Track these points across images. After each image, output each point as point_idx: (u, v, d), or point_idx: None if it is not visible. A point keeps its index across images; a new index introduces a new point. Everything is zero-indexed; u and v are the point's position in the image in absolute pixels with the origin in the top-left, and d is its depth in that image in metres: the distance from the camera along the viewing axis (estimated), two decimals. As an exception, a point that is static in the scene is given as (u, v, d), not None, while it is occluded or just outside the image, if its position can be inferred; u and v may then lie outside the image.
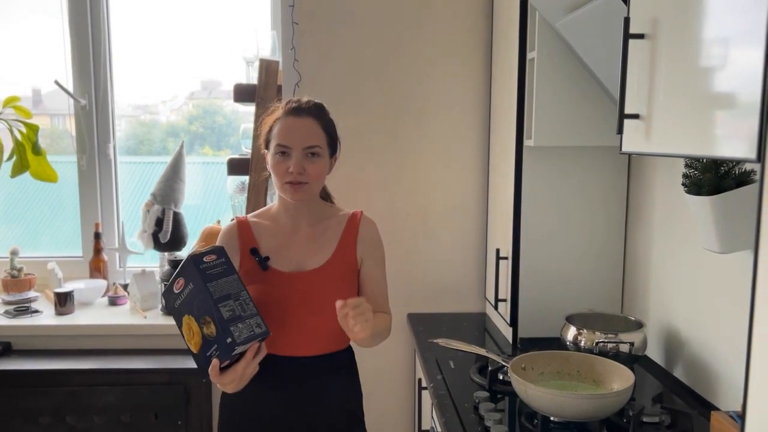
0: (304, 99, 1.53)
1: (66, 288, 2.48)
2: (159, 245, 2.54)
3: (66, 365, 2.27)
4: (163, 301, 2.42)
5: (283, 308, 1.47)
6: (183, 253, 2.59)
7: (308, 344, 1.50)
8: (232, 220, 1.62)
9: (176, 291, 1.39)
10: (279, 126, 1.48)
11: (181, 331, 1.40)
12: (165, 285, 1.45)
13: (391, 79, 2.38)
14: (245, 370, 1.33)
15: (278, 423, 1.51)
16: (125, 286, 2.60)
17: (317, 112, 1.50)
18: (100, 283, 2.59)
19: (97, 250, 2.62)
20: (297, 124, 1.47)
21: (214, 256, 1.38)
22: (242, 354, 1.34)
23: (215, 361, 1.32)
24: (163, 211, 2.52)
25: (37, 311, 2.46)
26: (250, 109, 2.40)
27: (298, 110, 1.49)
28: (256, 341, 1.34)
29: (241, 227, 1.56)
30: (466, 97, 2.40)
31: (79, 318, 2.41)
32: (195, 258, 1.36)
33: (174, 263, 2.46)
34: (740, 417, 0.86)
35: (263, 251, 1.52)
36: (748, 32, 0.87)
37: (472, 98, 2.40)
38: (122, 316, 2.44)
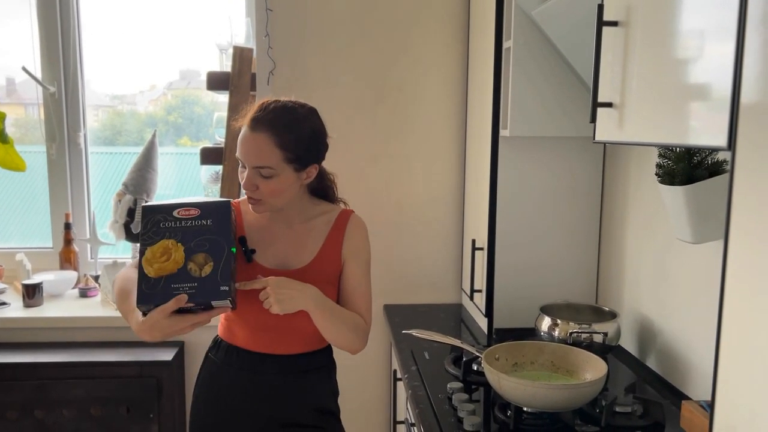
0: (270, 106, 1.40)
1: (35, 279, 2.42)
2: (131, 236, 2.49)
3: (34, 358, 2.22)
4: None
5: (263, 305, 1.44)
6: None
7: (286, 343, 1.48)
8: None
9: (176, 215, 1.36)
10: (240, 135, 1.40)
11: (143, 248, 1.35)
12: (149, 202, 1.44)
13: (367, 68, 2.35)
14: (182, 323, 1.30)
15: (251, 419, 1.49)
16: (96, 278, 2.55)
17: (276, 126, 1.37)
18: (71, 275, 2.54)
19: (68, 241, 2.57)
20: (249, 140, 1.38)
21: (233, 215, 1.44)
22: (197, 309, 1.33)
23: (182, 296, 1.30)
24: (135, 202, 2.47)
25: (4, 303, 2.40)
26: (227, 98, 2.36)
27: (254, 122, 1.38)
28: (228, 306, 1.35)
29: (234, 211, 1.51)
30: (442, 86, 2.38)
31: (49, 310, 2.36)
32: (231, 206, 1.40)
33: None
34: (710, 406, 0.86)
35: (248, 242, 1.48)
36: (720, 24, 0.86)
37: (449, 88, 2.38)
38: (93, 308, 2.39)
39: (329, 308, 1.42)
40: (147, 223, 1.37)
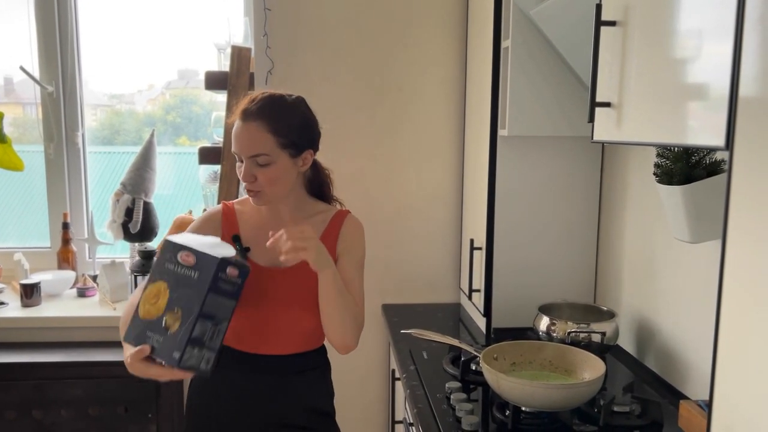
0: (258, 96, 1.43)
1: (33, 279, 2.42)
2: (129, 236, 2.49)
3: (32, 358, 2.22)
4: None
5: (256, 303, 1.43)
6: (153, 244, 2.55)
7: (280, 343, 1.47)
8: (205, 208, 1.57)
9: (179, 258, 1.27)
10: (233, 130, 1.42)
11: (145, 285, 1.30)
12: (167, 241, 1.33)
13: (365, 67, 2.35)
14: (154, 371, 1.26)
15: (245, 421, 1.48)
16: (94, 278, 2.55)
17: (266, 113, 1.39)
18: (69, 275, 2.54)
19: (66, 241, 2.56)
20: (243, 131, 1.39)
21: (236, 272, 1.28)
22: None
23: (145, 347, 1.24)
24: (134, 201, 2.48)
25: (2, 303, 2.40)
26: (225, 97, 2.36)
27: (244, 114, 1.40)
28: (191, 372, 1.25)
29: (227, 213, 1.53)
30: (441, 86, 2.38)
31: (47, 310, 2.36)
32: (221, 263, 1.24)
33: (145, 254, 2.41)
34: (708, 406, 0.86)
35: (243, 242, 1.48)
36: (718, 23, 0.86)
37: (448, 87, 2.38)
38: (91, 308, 2.39)
39: (339, 276, 1.40)
40: (160, 258, 1.32)
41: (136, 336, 1.28)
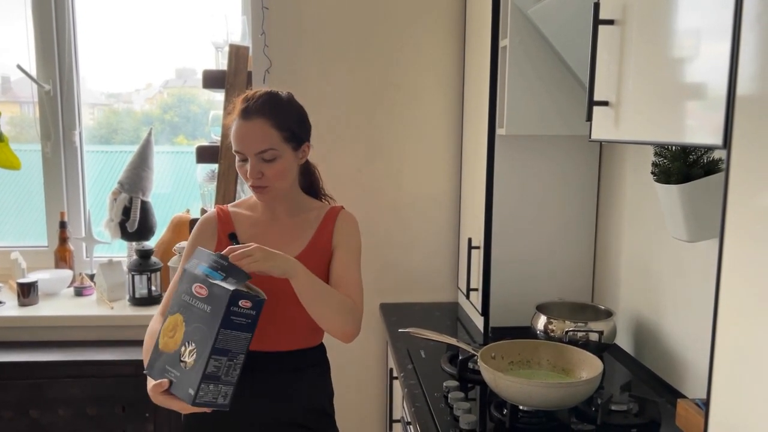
0: (256, 94, 1.45)
1: (30, 278, 2.42)
2: (126, 235, 2.49)
3: (30, 357, 2.21)
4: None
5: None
6: (151, 243, 2.54)
7: (278, 338, 1.47)
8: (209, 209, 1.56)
9: (193, 290, 1.25)
10: (233, 129, 1.43)
11: (163, 311, 1.30)
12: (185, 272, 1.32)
13: (364, 67, 2.35)
14: (176, 405, 1.26)
15: (245, 418, 1.48)
16: (92, 277, 2.54)
17: (268, 110, 1.42)
18: (66, 274, 2.53)
19: (63, 240, 2.56)
20: (246, 129, 1.41)
21: (249, 304, 1.24)
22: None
23: (163, 382, 1.24)
24: (131, 200, 2.47)
25: (-1, 302, 2.40)
26: (223, 96, 2.35)
27: (246, 112, 1.42)
28: (208, 408, 1.24)
29: (221, 215, 1.54)
30: (439, 85, 2.38)
31: (44, 309, 2.36)
32: (234, 295, 1.22)
33: (143, 253, 2.41)
34: (705, 404, 0.86)
35: (240, 240, 1.48)
36: (716, 22, 0.86)
37: (446, 86, 2.38)
38: (88, 307, 2.38)
39: (314, 279, 1.38)
40: (178, 288, 1.31)
41: (156, 368, 1.28)
